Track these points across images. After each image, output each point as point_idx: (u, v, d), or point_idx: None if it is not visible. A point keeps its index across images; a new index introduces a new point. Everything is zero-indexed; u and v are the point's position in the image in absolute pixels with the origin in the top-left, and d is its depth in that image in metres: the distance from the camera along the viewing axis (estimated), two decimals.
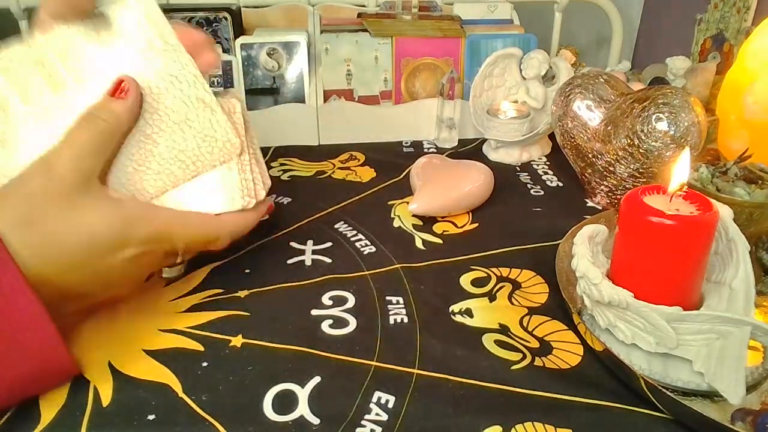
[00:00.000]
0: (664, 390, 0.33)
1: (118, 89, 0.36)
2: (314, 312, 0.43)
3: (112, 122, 0.35)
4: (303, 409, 0.34)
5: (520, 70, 0.72)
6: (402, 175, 0.65)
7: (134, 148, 0.37)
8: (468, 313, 0.43)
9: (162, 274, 0.45)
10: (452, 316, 0.43)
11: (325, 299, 0.44)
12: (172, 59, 0.37)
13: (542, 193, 0.62)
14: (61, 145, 0.34)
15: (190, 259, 0.44)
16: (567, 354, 0.39)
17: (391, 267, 0.48)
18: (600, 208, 0.59)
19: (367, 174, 0.66)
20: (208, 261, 0.47)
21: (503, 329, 0.41)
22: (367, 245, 0.51)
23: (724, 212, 0.36)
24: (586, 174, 0.60)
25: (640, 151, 0.54)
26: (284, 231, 0.53)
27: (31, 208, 0.33)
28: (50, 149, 0.34)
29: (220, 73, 0.71)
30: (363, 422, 0.34)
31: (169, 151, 0.38)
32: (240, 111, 0.40)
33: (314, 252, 0.50)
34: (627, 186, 0.56)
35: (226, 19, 0.75)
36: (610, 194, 0.58)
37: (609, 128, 0.56)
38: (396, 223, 0.55)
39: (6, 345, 0.30)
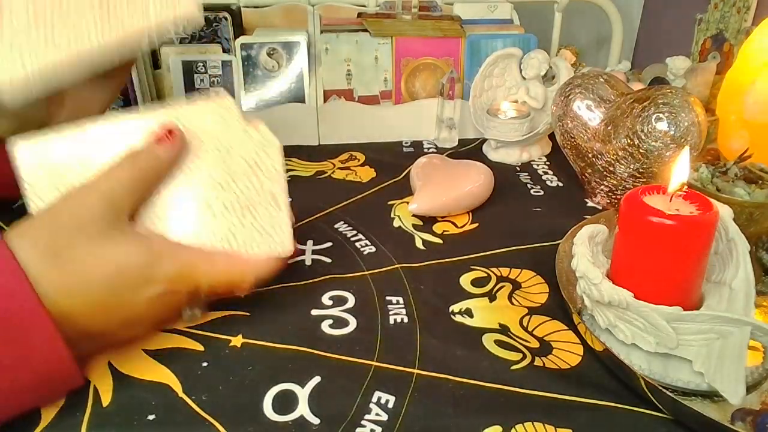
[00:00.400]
0: (664, 390, 0.33)
1: (164, 135, 0.36)
2: (314, 312, 0.43)
3: (153, 165, 0.35)
4: (303, 409, 0.34)
5: (520, 70, 0.72)
6: (402, 175, 0.65)
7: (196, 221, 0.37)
8: (468, 313, 0.43)
9: (182, 317, 0.42)
10: (452, 316, 0.43)
11: (325, 299, 0.44)
12: (261, 148, 0.38)
13: (542, 193, 0.62)
14: (97, 179, 0.34)
15: (210, 302, 0.42)
16: (567, 354, 0.39)
17: (391, 267, 0.48)
18: (600, 208, 0.59)
19: (367, 174, 0.66)
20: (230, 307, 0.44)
21: (503, 329, 0.41)
22: (367, 245, 0.51)
23: (724, 212, 0.36)
24: (586, 174, 0.60)
25: (640, 151, 0.54)
26: None
27: (58, 238, 0.32)
28: (85, 182, 0.34)
29: (221, 73, 0.71)
30: (363, 422, 0.34)
31: (222, 231, 0.38)
32: (279, 155, 0.39)
33: (314, 252, 0.50)
34: (627, 186, 0.56)
35: (226, 19, 0.75)
36: (610, 194, 0.58)
37: (609, 128, 0.56)
38: (396, 223, 0.55)
39: (15, 361, 0.30)
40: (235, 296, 0.39)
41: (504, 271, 0.48)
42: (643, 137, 0.53)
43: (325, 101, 0.73)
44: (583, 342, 0.40)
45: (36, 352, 0.30)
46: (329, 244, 0.51)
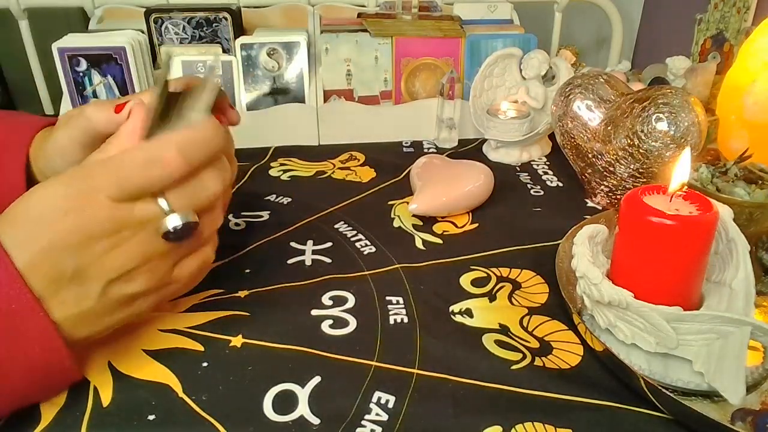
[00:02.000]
0: (664, 390, 0.33)
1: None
2: (314, 312, 0.43)
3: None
4: (303, 409, 0.34)
5: (520, 70, 0.72)
6: (402, 175, 0.65)
7: None
8: (468, 313, 0.43)
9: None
10: (452, 316, 0.43)
11: (325, 299, 0.44)
12: None
13: (542, 193, 0.62)
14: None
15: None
16: (567, 354, 0.39)
17: (391, 267, 0.48)
18: (600, 208, 0.59)
19: (367, 174, 0.66)
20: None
21: (503, 329, 0.41)
22: (367, 245, 0.51)
23: (724, 212, 0.36)
24: (586, 174, 0.60)
25: (640, 151, 0.54)
26: (284, 231, 0.53)
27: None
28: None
29: (221, 73, 0.71)
30: (363, 422, 0.34)
31: None
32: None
33: (314, 252, 0.50)
34: (627, 186, 0.56)
35: (226, 19, 0.74)
36: (610, 194, 0.58)
37: (609, 128, 0.56)
38: (396, 223, 0.55)
39: (12, 357, 0.30)
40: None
41: (504, 271, 0.48)
42: (643, 137, 0.53)
43: (325, 101, 0.73)
44: (583, 342, 0.40)
45: (28, 341, 0.30)
46: (329, 244, 0.51)
